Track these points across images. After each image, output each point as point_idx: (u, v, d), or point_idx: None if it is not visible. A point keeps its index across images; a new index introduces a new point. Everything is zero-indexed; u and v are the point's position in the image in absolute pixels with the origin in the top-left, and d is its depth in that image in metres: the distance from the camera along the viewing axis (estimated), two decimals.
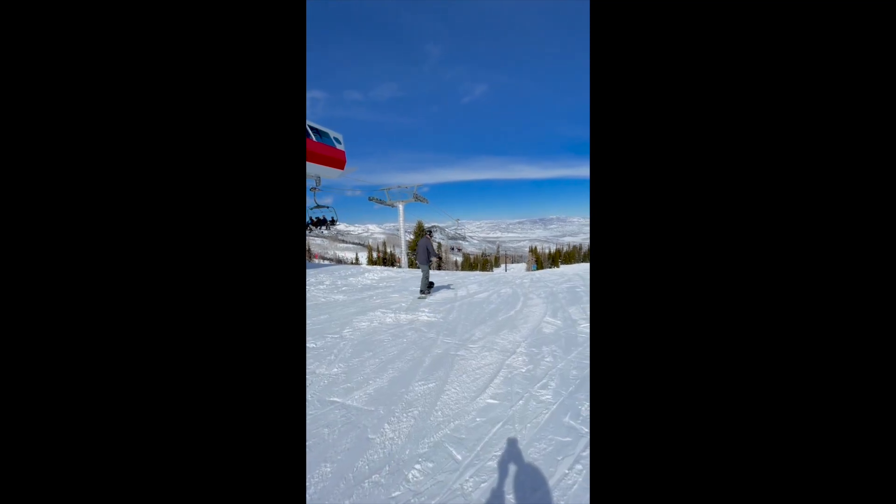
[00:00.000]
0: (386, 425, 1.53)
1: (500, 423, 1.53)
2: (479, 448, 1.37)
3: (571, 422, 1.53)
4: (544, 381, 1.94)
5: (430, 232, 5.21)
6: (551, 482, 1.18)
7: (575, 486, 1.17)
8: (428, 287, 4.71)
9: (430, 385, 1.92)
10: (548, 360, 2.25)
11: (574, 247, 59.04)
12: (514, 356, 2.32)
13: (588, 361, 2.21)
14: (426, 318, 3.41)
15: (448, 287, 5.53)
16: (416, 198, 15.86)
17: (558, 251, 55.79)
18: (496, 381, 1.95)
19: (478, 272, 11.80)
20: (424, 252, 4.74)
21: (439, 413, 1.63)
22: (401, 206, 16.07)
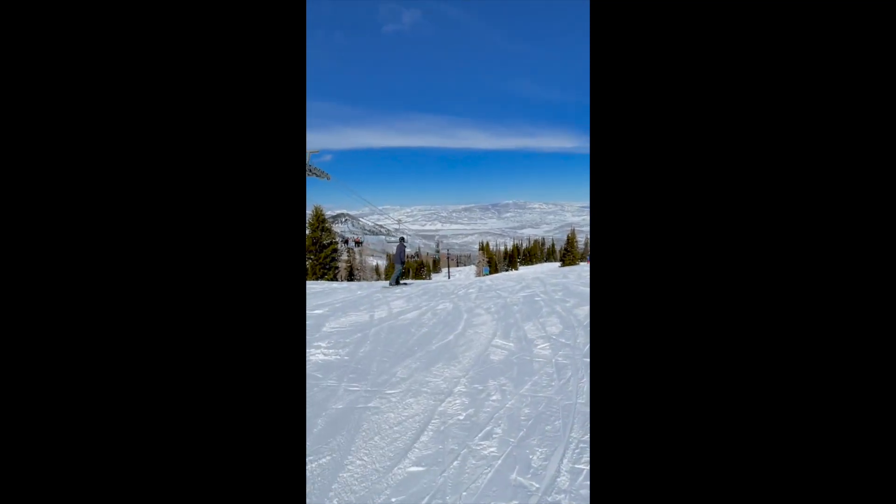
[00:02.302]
0: None
1: (426, 499, 1.55)
2: None
3: (520, 478, 1.66)
4: (488, 427, 2.06)
5: (403, 238, 9.80)
6: None
7: None
8: (396, 281, 8.74)
9: (322, 461, 1.82)
10: (494, 398, 2.41)
11: (535, 241, 64.77)
12: (449, 399, 2.41)
13: (543, 394, 2.44)
14: (322, 356, 3.24)
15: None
16: (311, 171, 14.92)
17: (516, 247, 60.32)
18: (423, 438, 1.98)
19: (409, 281, 11.90)
20: (397, 255, 9.21)
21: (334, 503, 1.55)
22: None
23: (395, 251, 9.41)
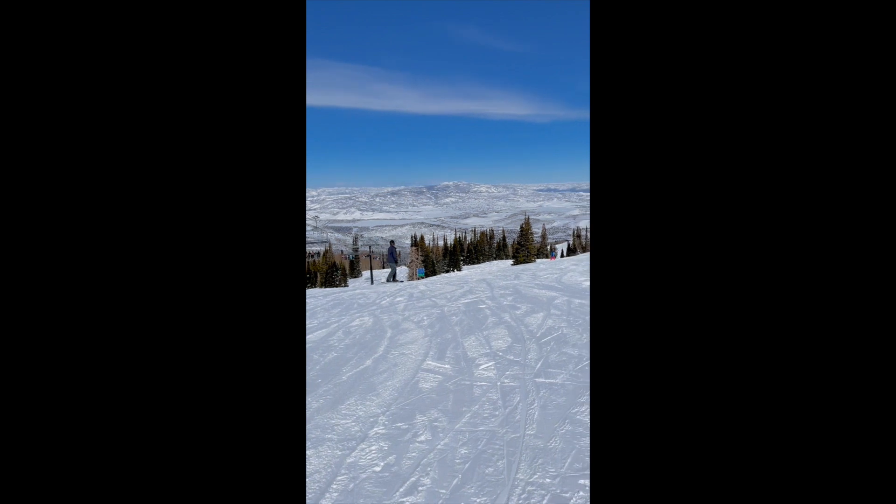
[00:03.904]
0: None
1: None
2: None
3: None
4: (413, 478, 2.06)
5: (393, 241, 17.16)
6: None
7: None
8: (392, 278, 15.97)
9: None
10: (422, 438, 2.42)
11: (483, 233, 66.73)
12: (363, 445, 2.37)
13: (485, 428, 2.50)
14: None
15: None
16: None
17: (458, 242, 61.58)
18: (323, 503, 1.92)
19: (316, 290, 11.53)
20: (391, 255, 17.33)
21: None
22: None
23: (387, 252, 15.33)
